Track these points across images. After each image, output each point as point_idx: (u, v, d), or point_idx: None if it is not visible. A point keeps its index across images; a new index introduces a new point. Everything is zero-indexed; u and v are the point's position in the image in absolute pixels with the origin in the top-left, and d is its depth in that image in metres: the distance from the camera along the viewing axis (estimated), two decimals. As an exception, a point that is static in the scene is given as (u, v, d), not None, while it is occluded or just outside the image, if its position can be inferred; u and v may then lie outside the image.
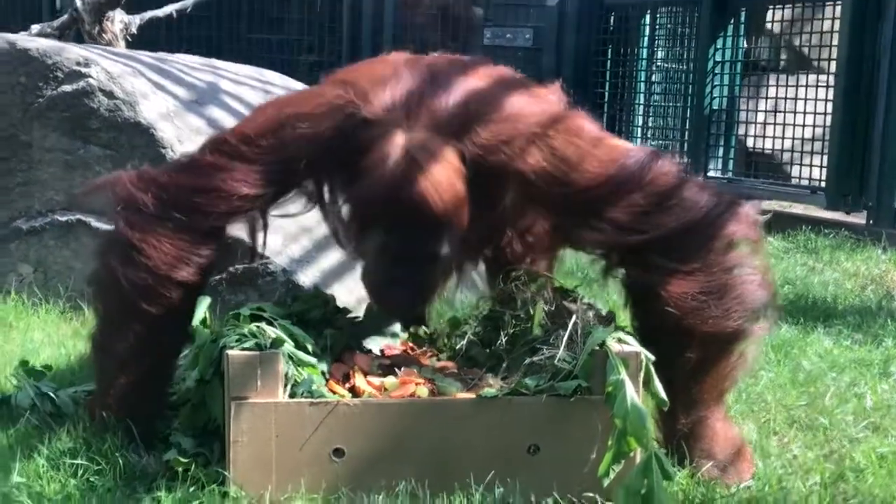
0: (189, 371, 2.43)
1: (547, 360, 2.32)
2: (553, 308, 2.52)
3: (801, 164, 6.46)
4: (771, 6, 6.92)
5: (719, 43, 6.63)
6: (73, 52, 3.88)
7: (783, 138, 6.64)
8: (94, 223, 3.77)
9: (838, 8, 5.95)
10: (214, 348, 2.33)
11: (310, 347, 2.38)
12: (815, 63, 6.87)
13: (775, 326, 3.69)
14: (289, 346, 2.30)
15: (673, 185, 2.35)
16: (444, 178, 2.27)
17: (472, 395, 2.30)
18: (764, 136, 6.85)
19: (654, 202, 2.32)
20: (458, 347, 2.60)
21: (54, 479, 2.24)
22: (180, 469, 2.26)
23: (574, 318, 2.36)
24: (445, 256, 2.38)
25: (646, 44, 7.31)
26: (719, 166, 6.75)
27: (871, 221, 5.56)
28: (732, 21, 6.69)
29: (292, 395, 2.24)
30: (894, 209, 5.46)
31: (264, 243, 2.71)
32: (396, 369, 2.43)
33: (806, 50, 6.95)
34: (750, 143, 7.05)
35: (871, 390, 3.02)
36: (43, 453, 2.31)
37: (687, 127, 6.92)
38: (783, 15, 7.06)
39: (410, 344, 2.68)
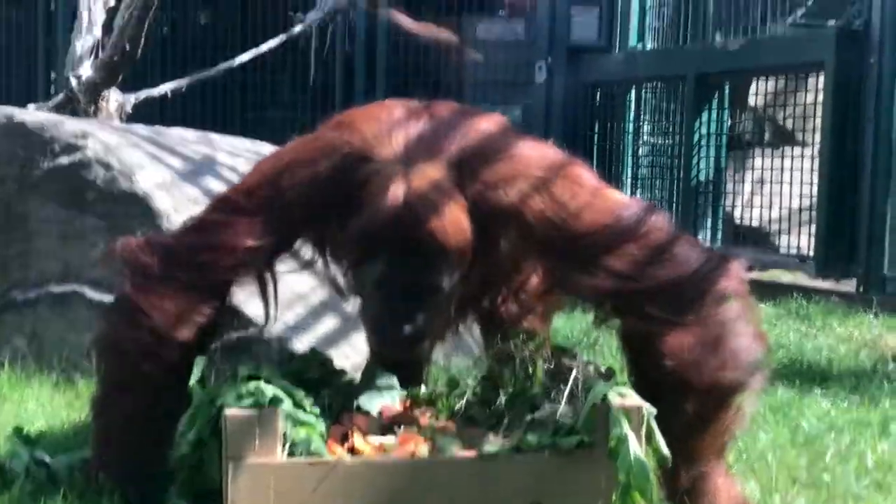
0: (186, 432, 2.38)
1: (548, 416, 2.30)
2: (552, 366, 2.49)
3: (788, 234, 6.51)
4: (754, 79, 7.01)
5: (704, 117, 6.72)
6: (70, 125, 3.90)
7: (770, 209, 6.69)
8: (90, 294, 3.74)
9: (821, 79, 6.03)
10: (212, 408, 2.29)
11: (308, 407, 2.34)
12: (798, 136, 6.96)
13: (772, 387, 3.70)
14: (287, 405, 2.27)
15: (666, 240, 2.33)
16: (448, 208, 2.27)
17: (473, 453, 2.26)
18: (751, 207, 6.90)
19: (649, 254, 2.30)
20: (456, 407, 2.55)
21: (49, 543, 2.19)
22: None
23: (574, 373, 2.34)
24: (448, 292, 2.36)
25: (632, 119, 7.40)
26: (708, 237, 6.78)
27: (861, 288, 5.58)
28: (716, 95, 6.78)
29: (291, 455, 2.20)
30: (883, 276, 5.48)
31: (276, 298, 2.63)
32: (395, 429, 2.39)
33: (790, 122, 7.04)
34: (737, 214, 7.09)
35: (871, 449, 2.99)
36: (37, 518, 2.27)
37: (675, 199, 6.96)
38: (766, 88, 7.17)
39: (409, 404, 2.64)
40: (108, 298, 3.69)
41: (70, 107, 6.14)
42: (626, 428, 2.17)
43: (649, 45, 7.35)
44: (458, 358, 3.42)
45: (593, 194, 2.37)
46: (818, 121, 6.21)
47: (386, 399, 2.56)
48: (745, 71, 6.64)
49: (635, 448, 2.15)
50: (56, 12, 8.20)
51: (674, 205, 6.97)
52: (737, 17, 6.94)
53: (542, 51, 7.56)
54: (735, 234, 7.07)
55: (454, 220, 2.28)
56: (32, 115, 4.04)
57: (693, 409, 2.30)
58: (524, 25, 7.73)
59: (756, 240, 6.99)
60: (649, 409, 2.24)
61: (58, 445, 2.79)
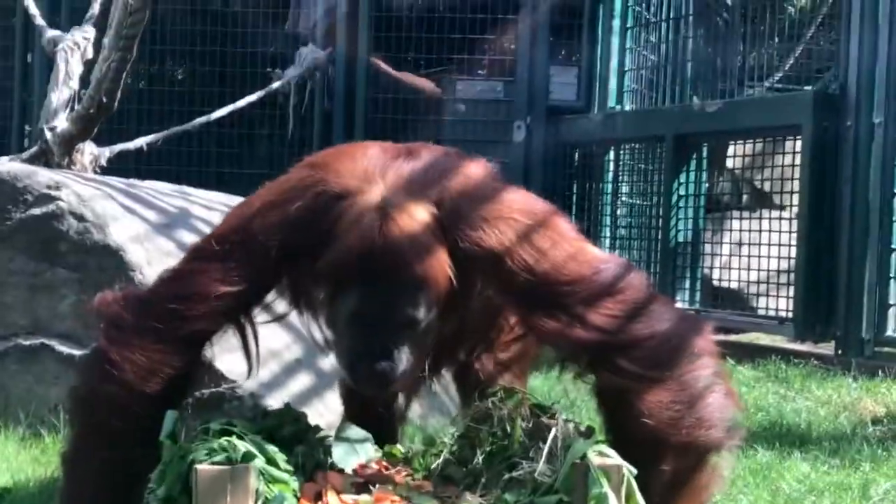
0: (156, 489, 2.34)
1: (527, 475, 2.27)
2: (531, 425, 2.46)
3: (767, 296, 6.53)
4: (731, 142, 7.09)
5: (682, 178, 6.76)
6: (44, 176, 3.91)
7: (749, 270, 6.73)
8: (59, 347, 3.74)
9: (797, 142, 6.10)
10: (182, 464, 2.24)
11: (281, 464, 2.31)
12: (775, 198, 7.03)
13: (751, 449, 3.70)
14: (260, 461, 2.23)
15: (643, 297, 2.34)
16: (424, 241, 2.26)
17: None
18: (730, 269, 6.93)
19: (626, 309, 2.30)
20: (433, 466, 2.53)
21: None
22: None
23: (554, 431, 2.32)
24: (423, 328, 2.32)
25: (610, 179, 7.44)
26: (686, 298, 6.80)
27: (839, 351, 5.59)
28: (695, 157, 6.84)
29: None
30: (862, 339, 5.49)
31: (257, 350, 2.59)
32: (371, 487, 2.36)
33: (768, 185, 7.11)
34: (715, 275, 7.12)
35: (852, 513, 3.00)
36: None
37: (653, 260, 6.98)
38: (744, 150, 7.25)
39: (384, 463, 2.61)
40: (77, 352, 3.70)
41: (44, 159, 6.10)
42: (607, 487, 2.15)
43: (628, 107, 7.43)
44: (434, 417, 3.39)
45: (574, 246, 2.37)
46: (795, 184, 6.26)
47: (361, 457, 2.54)
48: (723, 133, 6.71)
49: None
50: (32, 64, 8.20)
51: (652, 265, 6.99)
52: (714, 80, 7.05)
53: (521, 110, 7.61)
54: (713, 295, 7.10)
55: (431, 253, 2.27)
56: (5, 164, 4.03)
57: (670, 467, 2.30)
58: (503, 84, 7.79)
59: (734, 302, 7.02)
60: (629, 469, 2.23)
61: (23, 502, 2.74)
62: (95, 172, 6.02)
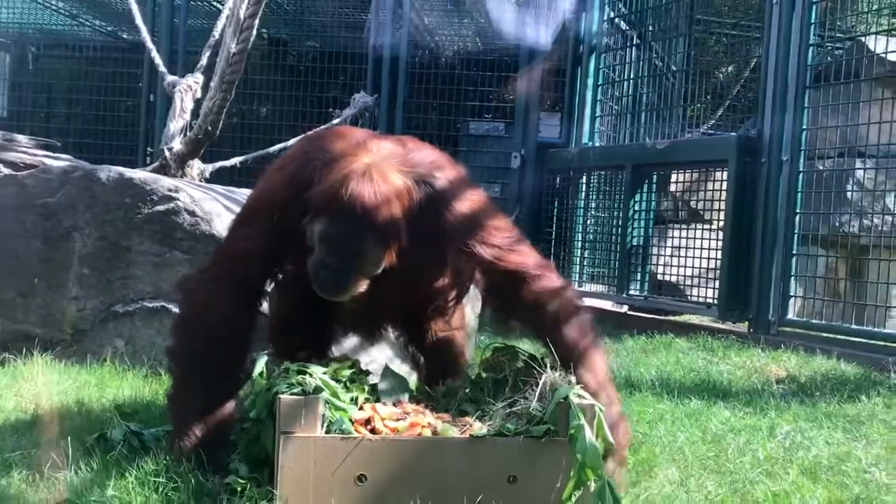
0: (248, 411, 2.36)
1: (523, 410, 2.30)
2: (526, 373, 2.49)
3: (698, 287, 6.52)
4: (675, 171, 7.08)
5: (637, 198, 6.75)
6: (165, 182, 3.92)
7: (685, 268, 6.72)
8: (174, 309, 3.71)
9: (724, 173, 6.10)
10: (269, 394, 2.29)
11: (342, 397, 2.34)
12: (706, 215, 7.01)
13: (686, 399, 3.69)
14: (326, 394, 2.26)
15: (524, 241, 2.57)
16: (388, 193, 2.29)
17: (465, 436, 2.26)
18: (670, 267, 6.92)
19: (513, 239, 2.52)
20: (451, 403, 2.55)
21: (140, 493, 2.15)
22: (239, 488, 2.18)
23: (544, 377, 2.34)
24: (373, 257, 2.34)
25: (583, 198, 7.43)
26: (637, 288, 6.79)
27: (752, 329, 5.58)
28: (647, 182, 6.83)
29: (327, 432, 2.19)
30: (769, 320, 5.48)
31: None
32: (406, 416, 2.39)
33: (700, 204, 7.10)
34: (660, 271, 7.11)
35: (761, 447, 2.99)
36: (132, 474, 2.23)
37: (613, 259, 6.98)
38: (683, 178, 7.23)
39: (416, 398, 2.62)
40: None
41: (163, 171, 6.15)
42: (583, 420, 2.18)
43: (597, 143, 7.42)
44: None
45: (494, 216, 2.55)
46: (721, 204, 6.25)
47: (400, 394, 2.57)
48: (668, 164, 6.70)
49: (590, 436, 2.16)
50: (155, 102, 8.24)
51: (612, 263, 6.98)
52: (662, 125, 7.05)
53: (517, 145, 7.62)
54: (658, 286, 7.09)
55: (391, 208, 2.30)
56: (138, 173, 4.04)
57: (552, 308, 2.48)
58: (505, 125, 7.79)
59: (673, 291, 7.01)
60: (600, 407, 2.25)
61: (148, 421, 2.78)
62: (201, 182, 6.06)
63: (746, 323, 5.69)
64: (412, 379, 2.78)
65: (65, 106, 9.15)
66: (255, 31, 4.75)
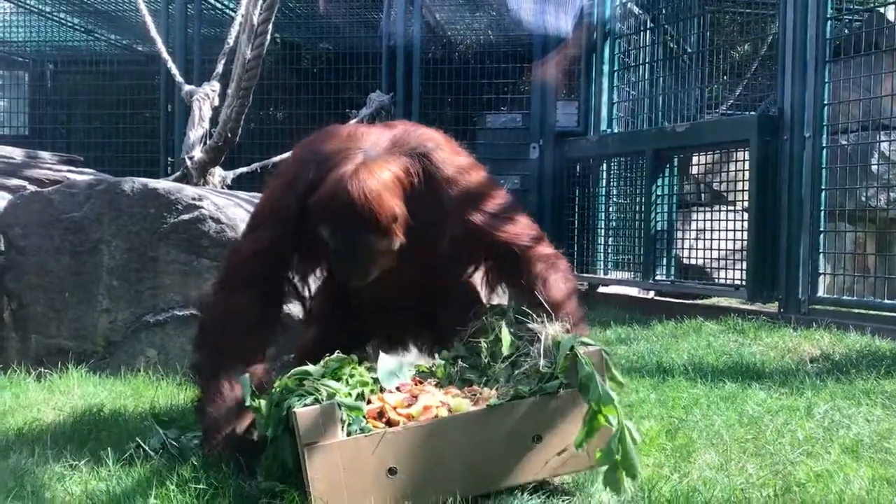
0: (263, 430, 2.31)
1: (531, 370, 2.29)
2: (518, 328, 2.48)
3: (725, 269, 6.46)
4: (696, 153, 7.02)
5: (659, 182, 6.70)
6: (189, 191, 3.94)
7: (710, 250, 6.66)
8: (204, 316, 3.77)
9: (745, 153, 6.04)
10: (279, 411, 2.25)
11: (348, 395, 2.30)
12: (727, 196, 6.95)
13: (720, 382, 3.66)
14: (339, 397, 2.23)
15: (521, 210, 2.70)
16: (380, 189, 2.38)
17: (481, 407, 2.24)
18: (696, 250, 6.87)
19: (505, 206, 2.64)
20: (453, 373, 2.50)
21: (181, 500, 2.16)
22: (278, 490, 2.19)
23: (544, 332, 2.33)
24: (382, 248, 2.45)
25: (603, 185, 7.38)
26: (664, 273, 6.75)
27: (782, 309, 5.52)
28: (668, 166, 6.78)
29: (349, 434, 2.17)
30: (799, 299, 5.42)
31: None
32: (415, 399, 2.35)
33: (722, 186, 7.03)
34: (685, 255, 7.06)
35: (800, 427, 2.95)
36: (173, 480, 2.24)
37: (637, 245, 6.93)
38: (705, 160, 7.16)
39: (417, 378, 2.56)
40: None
41: (185, 181, 6.19)
42: (592, 368, 2.19)
43: (616, 130, 7.37)
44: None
45: (488, 185, 2.65)
46: (742, 184, 6.19)
47: (401, 377, 2.52)
48: (689, 147, 6.64)
49: (600, 382, 2.16)
50: (173, 112, 8.29)
51: (636, 249, 6.94)
52: (680, 108, 6.99)
53: (535, 135, 7.58)
54: (684, 270, 7.03)
55: (386, 202, 2.38)
56: (162, 183, 4.07)
57: (536, 268, 2.59)
58: (522, 116, 7.76)
59: (700, 275, 6.95)
60: (606, 350, 2.28)
61: (185, 428, 2.78)
62: (224, 189, 6.10)
63: (776, 303, 5.62)
64: (408, 359, 2.73)
65: (84, 121, 9.24)
66: (269, 37, 4.76)
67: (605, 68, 7.35)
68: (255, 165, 6.63)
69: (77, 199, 4.00)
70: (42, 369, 3.76)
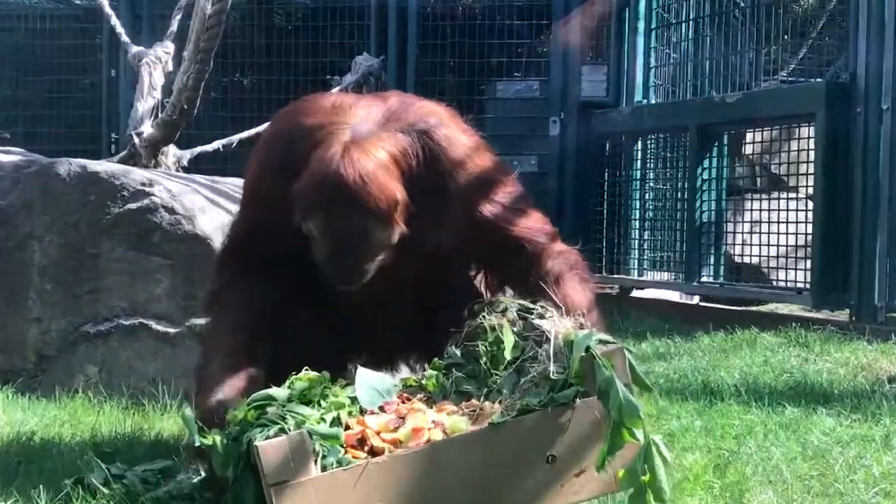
0: (220, 475, 2.27)
1: (540, 376, 2.28)
2: (522, 327, 2.47)
3: (785, 269, 6.46)
4: (750, 129, 7.01)
5: (705, 164, 6.70)
6: (137, 174, 3.95)
7: (767, 246, 6.66)
8: (155, 326, 3.79)
9: (810, 129, 6.03)
10: (239, 446, 2.22)
11: (319, 422, 2.27)
12: (788, 181, 6.95)
13: (779, 406, 3.66)
14: (308, 424, 2.21)
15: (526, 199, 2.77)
16: (375, 169, 2.40)
17: (483, 426, 2.22)
18: (750, 246, 6.87)
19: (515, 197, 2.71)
20: (447, 385, 2.48)
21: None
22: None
23: (553, 331, 2.33)
24: (381, 237, 2.48)
25: (638, 167, 7.39)
26: (711, 272, 6.75)
27: (854, 318, 5.51)
28: (716, 144, 6.78)
29: (324, 469, 2.15)
30: (875, 306, 5.42)
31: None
32: (402, 420, 2.33)
33: (784, 168, 7.03)
34: (737, 251, 7.06)
35: (876, 462, 2.94)
36: (118, 525, 2.25)
37: (679, 239, 6.93)
38: (761, 137, 7.15)
39: (404, 394, 2.53)
40: (172, 330, 3.77)
41: (132, 162, 6.18)
42: (611, 371, 2.18)
43: (653, 100, 7.37)
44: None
45: (491, 162, 2.72)
46: (808, 166, 6.19)
47: (384, 396, 2.48)
48: (742, 121, 6.63)
49: (622, 389, 2.16)
50: (118, 79, 8.29)
51: (678, 244, 6.94)
52: (730, 74, 6.98)
53: (555, 106, 7.59)
54: (736, 270, 7.04)
55: (384, 184, 2.41)
56: (104, 165, 4.07)
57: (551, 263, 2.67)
58: (539, 83, 7.76)
59: (755, 276, 6.96)
60: (628, 349, 2.28)
61: (132, 461, 2.78)
62: (179, 172, 6.10)
63: (847, 310, 5.62)
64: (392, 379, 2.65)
65: (10, 88, 9.23)
66: (233, -13, 4.76)
67: (640, 26, 7.35)
68: (217, 143, 6.60)
69: (2, 185, 4.00)
70: (-40, 390, 3.77)
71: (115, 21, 6.41)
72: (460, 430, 2.23)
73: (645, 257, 7.31)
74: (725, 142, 6.92)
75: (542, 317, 2.43)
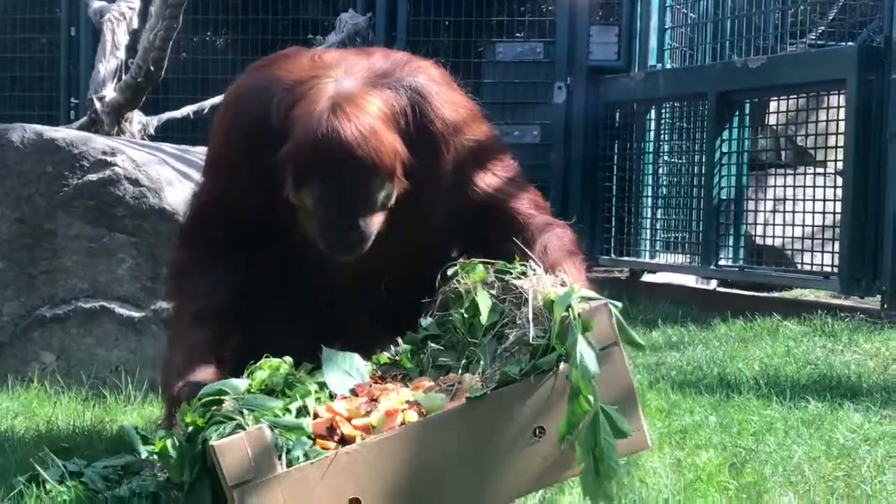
0: (174, 482, 2.27)
1: (520, 342, 2.25)
2: (500, 289, 2.44)
3: (811, 252, 6.47)
4: (774, 97, 7.00)
5: (725, 135, 6.70)
6: (99, 142, 3.93)
7: (792, 227, 6.67)
8: (119, 310, 3.80)
9: (839, 98, 6.03)
10: (194, 447, 2.20)
11: (286, 411, 2.25)
12: (816, 154, 6.95)
13: (802, 401, 3.68)
14: (268, 416, 2.18)
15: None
16: (370, 124, 2.39)
17: (460, 401, 2.20)
18: (773, 226, 6.87)
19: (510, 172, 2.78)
20: (424, 359, 2.46)
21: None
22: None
23: (531, 291, 2.29)
24: (381, 199, 2.49)
25: (652, 138, 7.38)
26: (730, 255, 6.75)
27: (885, 305, 5.53)
28: (737, 114, 6.77)
29: (289, 464, 2.12)
30: (908, 292, 5.45)
31: None
32: (375, 403, 2.30)
33: (808, 141, 7.03)
34: (759, 232, 7.06)
35: (907, 461, 2.97)
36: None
37: (695, 218, 6.93)
38: (786, 106, 7.14)
39: (378, 373, 2.50)
40: (136, 314, 3.78)
41: (93, 129, 6.16)
42: (579, 334, 2.13)
43: (669, 65, 7.36)
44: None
45: (480, 124, 2.75)
46: (836, 139, 6.19)
47: (355, 377, 2.45)
48: (766, 89, 6.62)
49: (583, 350, 2.12)
50: (78, 37, 8.24)
51: (694, 224, 6.94)
52: (754, 36, 6.96)
53: (561, 71, 7.57)
54: (757, 253, 7.04)
55: (380, 139, 2.40)
56: (62, 132, 4.06)
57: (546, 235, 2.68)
58: (543, 45, 7.74)
59: (778, 259, 6.96)
60: (614, 304, 2.24)
61: (91, 457, 2.79)
62: (145, 140, 6.08)
63: (878, 297, 5.65)
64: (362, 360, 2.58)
65: (-41, 48, 9.19)
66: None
67: (656, -19, 7.34)
68: (186, 109, 6.59)
69: (-52, 153, 3.98)
70: None
71: (74, -27, 6.38)
72: (437, 407, 2.20)
73: (658, 238, 7.32)
74: (747, 111, 6.90)
75: (521, 277, 2.40)
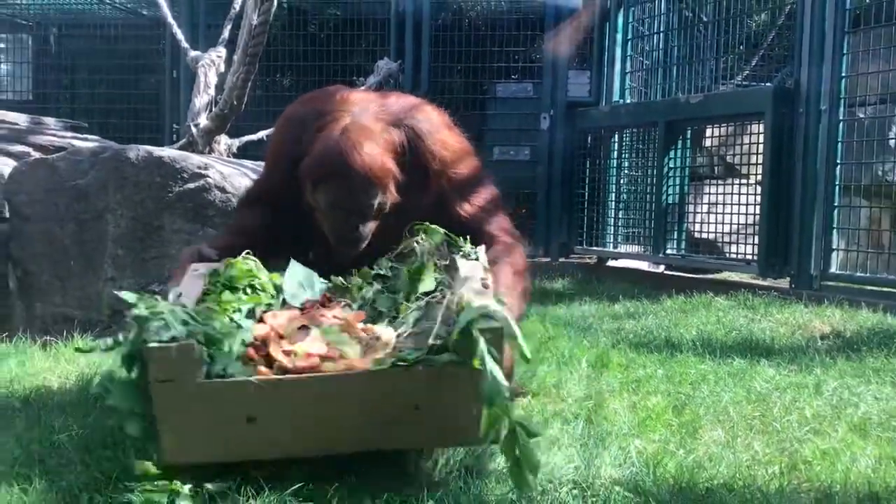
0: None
1: (429, 329, 2.10)
2: (447, 262, 2.39)
3: (737, 244, 6.45)
4: (710, 125, 6.97)
5: (671, 154, 6.67)
6: (195, 159, 3.95)
7: (721, 224, 6.65)
8: (209, 286, 3.80)
9: (760, 126, 6.00)
10: (135, 344, 1.99)
11: (235, 315, 2.11)
12: (742, 169, 6.92)
13: (728, 358, 3.67)
14: (197, 328, 1.97)
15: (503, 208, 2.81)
16: (372, 147, 2.44)
17: (364, 364, 2.04)
18: (707, 224, 6.86)
19: (492, 203, 2.76)
20: (368, 295, 2.36)
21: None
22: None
23: (448, 297, 2.17)
24: (377, 206, 2.50)
25: (615, 157, 7.35)
26: (675, 246, 6.74)
27: (793, 285, 5.52)
28: (681, 138, 6.74)
29: (208, 376, 1.96)
30: (811, 275, 5.42)
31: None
32: (309, 329, 2.14)
33: (735, 159, 7.00)
34: (696, 228, 7.05)
35: (808, 405, 2.96)
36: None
37: (648, 218, 6.91)
38: (718, 132, 7.12)
39: (328, 295, 2.37)
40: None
41: (191, 148, 6.18)
42: (485, 352, 1.94)
43: (629, 100, 7.32)
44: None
45: (470, 161, 2.73)
46: (756, 157, 6.16)
47: (309, 292, 2.36)
48: (703, 118, 6.59)
49: (491, 371, 1.91)
50: (178, 78, 8.26)
51: (647, 222, 6.92)
52: (694, 78, 6.93)
53: (546, 105, 7.55)
54: (695, 244, 7.02)
55: (378, 159, 2.45)
56: (167, 151, 4.08)
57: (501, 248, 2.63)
58: (533, 85, 7.72)
59: (711, 249, 6.94)
60: (509, 327, 2.01)
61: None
62: (230, 157, 6.10)
63: (788, 278, 5.63)
64: (321, 281, 2.47)
65: (89, 86, 9.21)
66: (275, 2, 4.74)
67: (619, 37, 7.29)
68: (261, 133, 6.61)
69: (82, 167, 4.01)
70: (47, 337, 3.80)
71: (176, 30, 6.40)
72: (349, 358, 2.06)
73: (619, 233, 7.30)
74: (689, 136, 6.87)
75: (465, 257, 2.36)
